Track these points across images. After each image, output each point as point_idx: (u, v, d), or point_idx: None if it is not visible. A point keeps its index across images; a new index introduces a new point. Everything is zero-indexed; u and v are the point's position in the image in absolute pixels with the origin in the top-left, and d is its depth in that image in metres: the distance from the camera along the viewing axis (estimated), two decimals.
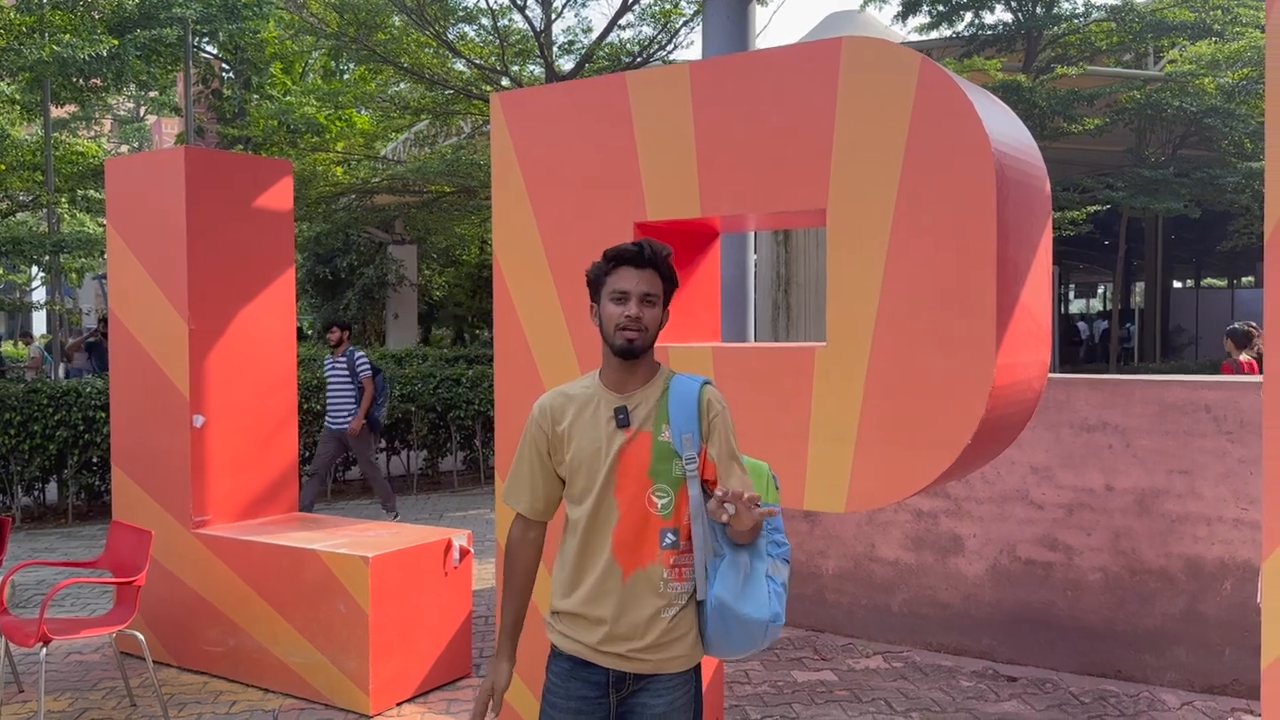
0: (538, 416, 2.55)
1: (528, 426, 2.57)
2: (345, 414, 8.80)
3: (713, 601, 2.39)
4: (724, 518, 2.27)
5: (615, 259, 2.48)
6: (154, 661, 5.10)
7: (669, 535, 2.42)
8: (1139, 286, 27.78)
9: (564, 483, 2.54)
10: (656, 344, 2.56)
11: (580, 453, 2.46)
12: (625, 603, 2.42)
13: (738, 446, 2.52)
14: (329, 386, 8.93)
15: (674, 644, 2.44)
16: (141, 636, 4.88)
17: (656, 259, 2.47)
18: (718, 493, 2.29)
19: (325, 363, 9.11)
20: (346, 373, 8.80)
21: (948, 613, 5.74)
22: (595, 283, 2.52)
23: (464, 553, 5.34)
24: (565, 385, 2.61)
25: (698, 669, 2.53)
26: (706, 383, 2.53)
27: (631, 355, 2.45)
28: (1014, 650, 5.54)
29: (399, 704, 4.99)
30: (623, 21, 14.97)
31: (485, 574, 7.13)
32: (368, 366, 8.83)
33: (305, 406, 10.35)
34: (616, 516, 2.43)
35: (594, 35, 15.60)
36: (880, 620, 5.96)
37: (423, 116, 17.24)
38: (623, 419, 2.43)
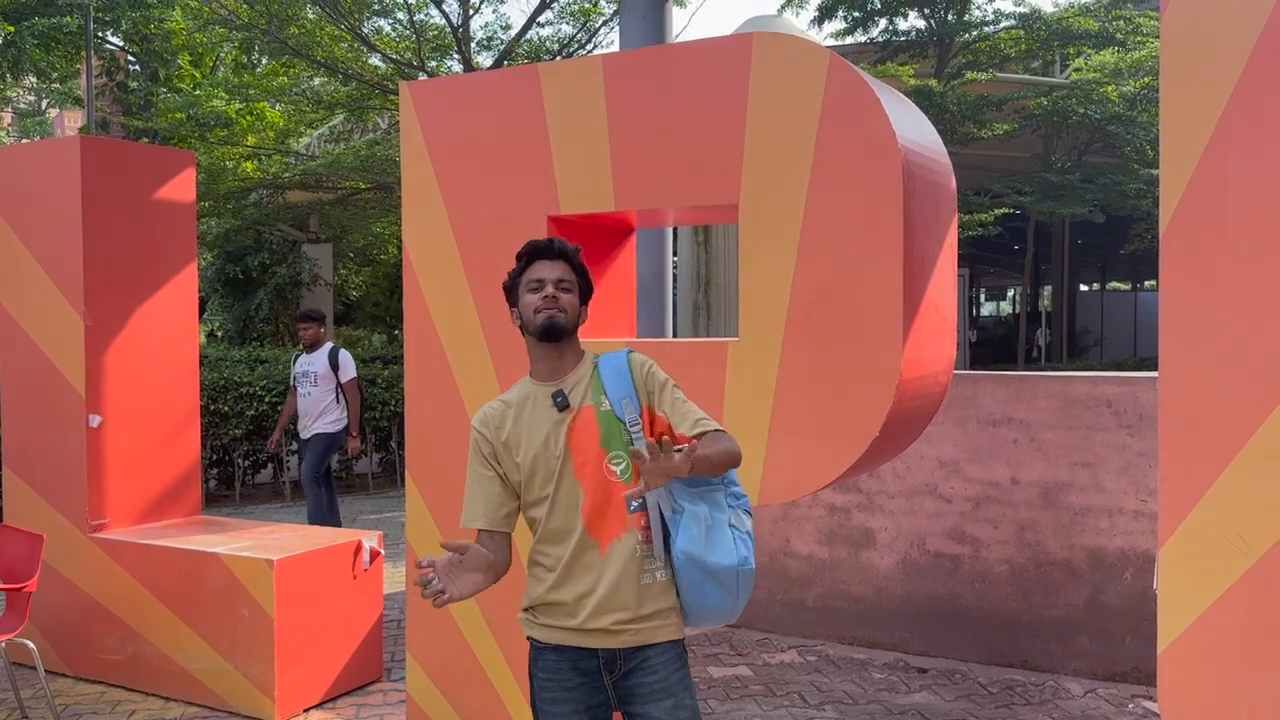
0: (479, 428, 2.54)
1: (471, 443, 2.55)
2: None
3: (679, 556, 2.38)
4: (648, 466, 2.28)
5: (528, 255, 2.55)
6: (47, 671, 4.88)
7: (633, 501, 2.43)
8: (1047, 290, 28.60)
9: (517, 493, 2.52)
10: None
11: (530, 447, 2.47)
12: (604, 574, 2.42)
13: (680, 390, 2.56)
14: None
15: (658, 615, 2.44)
16: (33, 645, 4.67)
17: (566, 252, 2.54)
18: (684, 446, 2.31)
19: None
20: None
21: (860, 606, 5.81)
22: (512, 286, 2.57)
23: (374, 554, 5.22)
24: (500, 395, 2.62)
25: (685, 647, 2.52)
26: (630, 350, 2.60)
27: (555, 334, 2.47)
28: (925, 642, 5.62)
29: (306, 710, 4.86)
30: (542, 19, 14.88)
31: (397, 576, 6.99)
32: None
33: (212, 408, 10.05)
34: (582, 493, 2.44)
35: (513, 32, 15.47)
36: (795, 615, 6.00)
37: (337, 112, 16.89)
38: (561, 401, 2.47)
